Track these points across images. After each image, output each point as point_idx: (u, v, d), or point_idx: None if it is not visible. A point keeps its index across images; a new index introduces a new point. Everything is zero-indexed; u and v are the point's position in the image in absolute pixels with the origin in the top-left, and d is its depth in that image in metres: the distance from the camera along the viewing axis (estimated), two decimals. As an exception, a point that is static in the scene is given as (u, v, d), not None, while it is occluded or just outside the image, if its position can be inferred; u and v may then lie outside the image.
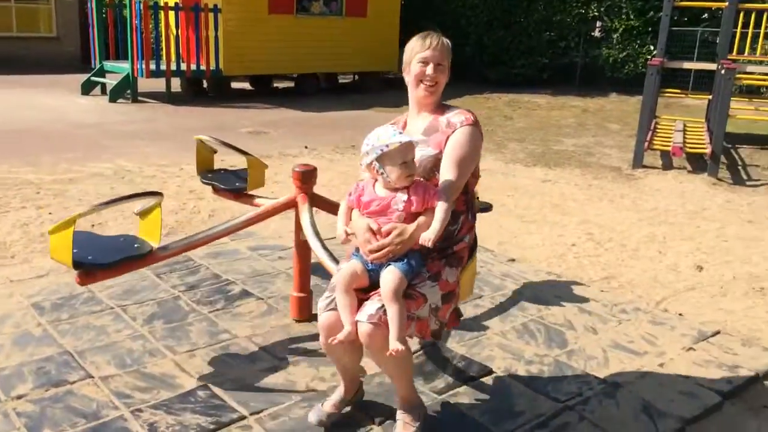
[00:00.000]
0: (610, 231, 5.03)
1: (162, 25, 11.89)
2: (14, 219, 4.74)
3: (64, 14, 18.16)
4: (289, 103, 12.18)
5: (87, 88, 12.33)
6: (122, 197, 2.70)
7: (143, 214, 2.72)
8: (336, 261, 2.66)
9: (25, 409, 2.41)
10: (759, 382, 2.85)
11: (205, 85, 13.11)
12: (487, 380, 2.75)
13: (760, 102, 10.08)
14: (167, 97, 11.81)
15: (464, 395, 2.63)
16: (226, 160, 5.36)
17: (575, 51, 15.81)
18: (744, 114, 8.88)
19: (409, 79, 2.40)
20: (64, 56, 17.77)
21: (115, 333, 3.02)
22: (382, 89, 14.40)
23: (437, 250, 2.26)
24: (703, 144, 7.59)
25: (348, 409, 2.47)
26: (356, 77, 15.45)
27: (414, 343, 3.02)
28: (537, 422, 2.47)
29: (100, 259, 2.49)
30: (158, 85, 12.19)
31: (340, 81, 15.27)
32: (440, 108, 2.43)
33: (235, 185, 3.47)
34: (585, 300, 3.62)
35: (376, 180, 2.25)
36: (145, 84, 12.01)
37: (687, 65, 10.26)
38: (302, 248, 3.18)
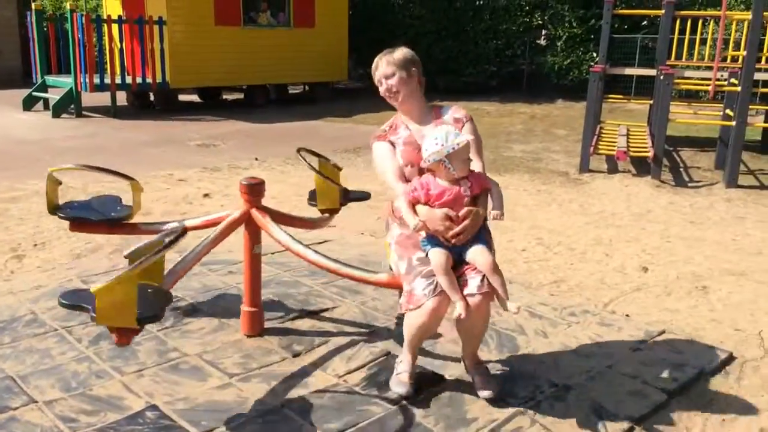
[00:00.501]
0: (558, 235, 5.13)
1: (105, 37, 11.65)
2: (-49, 241, 4.56)
3: (3, 28, 17.61)
4: (239, 115, 12.07)
5: (29, 104, 11.99)
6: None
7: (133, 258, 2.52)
8: (333, 259, 2.82)
9: (-37, 439, 2.32)
10: (704, 379, 2.94)
11: (152, 98, 12.89)
12: (441, 388, 2.76)
13: (698, 106, 10.44)
14: (112, 111, 11.56)
15: (418, 404, 2.63)
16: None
17: (522, 58, 16.12)
18: (683, 118, 9.18)
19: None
20: (4, 71, 17.23)
21: (59, 355, 2.93)
22: (333, 99, 14.41)
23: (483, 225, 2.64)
24: (646, 148, 7.82)
25: None
26: (306, 88, 15.42)
27: (368, 354, 3.02)
28: (490, 428, 2.49)
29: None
30: (103, 99, 11.93)
31: (290, 92, 15.21)
32: (434, 108, 2.88)
33: (110, 215, 3.12)
34: (535, 304, 3.67)
35: (435, 175, 2.58)
36: (89, 98, 11.73)
37: (628, 71, 10.57)
38: (253, 262, 3.15)
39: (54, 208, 3.10)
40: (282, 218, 3.21)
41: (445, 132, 2.55)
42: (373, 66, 2.85)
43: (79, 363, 2.87)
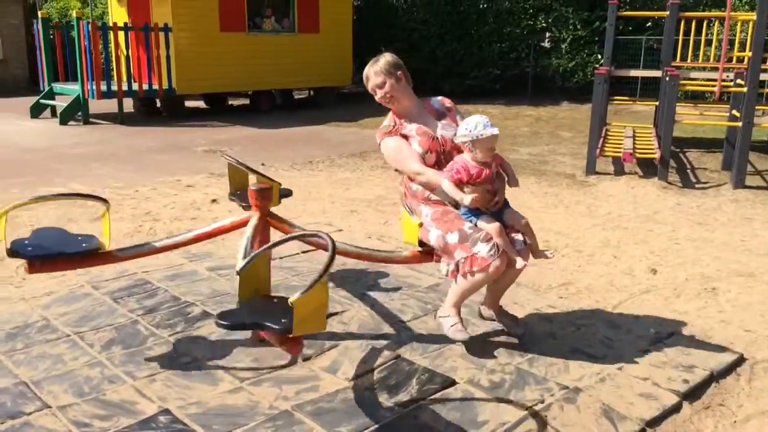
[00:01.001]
0: (566, 237, 5.13)
1: (112, 45, 11.73)
2: (-38, 248, 4.59)
3: (10, 36, 17.76)
4: (245, 120, 12.11)
5: (36, 111, 12.07)
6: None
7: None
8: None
9: (-22, 444, 2.34)
10: (714, 381, 2.94)
11: (158, 104, 12.96)
12: (451, 391, 2.77)
13: (704, 107, 10.43)
14: (120, 118, 11.63)
15: (428, 407, 2.64)
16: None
17: (526, 61, 16.14)
18: (690, 119, 9.17)
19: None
20: (11, 79, 17.37)
21: (72, 361, 2.95)
22: (337, 104, 14.45)
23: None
24: (653, 149, 7.81)
25: None
26: (311, 93, 15.47)
27: (378, 357, 3.03)
28: (501, 431, 2.50)
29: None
30: (110, 106, 12.00)
31: (295, 97, 15.26)
32: (424, 101, 3.28)
33: (82, 246, 2.89)
34: (544, 307, 3.68)
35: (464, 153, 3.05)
36: (96, 105, 11.80)
37: (633, 73, 10.59)
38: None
39: (9, 252, 2.75)
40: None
41: (475, 122, 2.99)
42: (364, 78, 3.22)
43: (92, 368, 2.89)
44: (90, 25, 11.13)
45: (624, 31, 13.60)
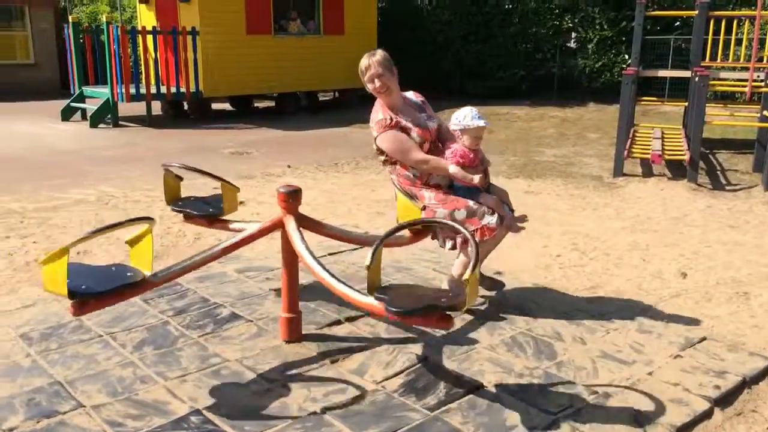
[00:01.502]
0: (594, 240, 5.09)
1: (140, 48, 11.90)
2: (-2, 249, 4.70)
3: (41, 41, 18.09)
4: (270, 122, 12.20)
5: (67, 114, 12.29)
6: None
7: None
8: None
9: (16, 442, 2.40)
10: (746, 387, 2.90)
11: (185, 107, 13.11)
12: (479, 395, 2.77)
13: (734, 107, 10.26)
14: (148, 121, 11.79)
15: (456, 411, 2.64)
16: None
17: (552, 62, 16.02)
18: (720, 120, 9.03)
19: (370, 87, 3.48)
20: (42, 83, 17.68)
21: (104, 361, 3.01)
22: (362, 105, 14.46)
23: None
24: (682, 150, 7.71)
25: None
26: (336, 94, 15.53)
27: (405, 361, 3.04)
28: (530, 435, 2.49)
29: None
30: (139, 108, 12.17)
31: (320, 99, 15.33)
32: (403, 97, 3.58)
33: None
34: (572, 311, 3.66)
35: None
36: (125, 108, 11.98)
37: (662, 73, 10.45)
38: (290, 269, 3.19)
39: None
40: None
41: (465, 113, 3.47)
42: (363, 68, 3.44)
43: (124, 368, 2.94)
44: (119, 29, 11.31)
45: (652, 31, 13.43)
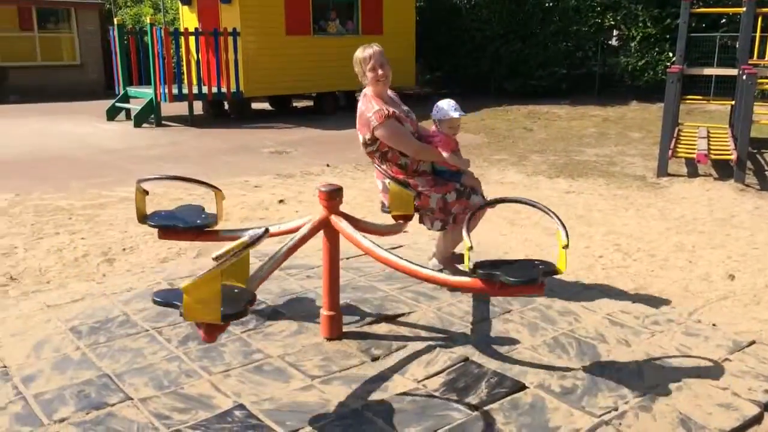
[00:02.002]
0: (637, 241, 5.00)
1: (183, 50, 12.10)
2: (48, 245, 4.84)
3: (86, 42, 18.55)
4: (309, 122, 12.30)
5: (112, 114, 12.57)
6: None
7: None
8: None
9: (67, 432, 2.46)
10: (798, 392, 2.81)
11: (226, 107, 13.30)
12: (521, 395, 2.74)
13: (783, 106, 9.97)
14: (190, 121, 12.00)
15: (498, 411, 2.63)
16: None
17: (593, 60, 15.79)
18: (768, 119, 8.79)
19: (367, 81, 3.65)
20: (88, 83, 18.14)
21: (151, 355, 3.07)
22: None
23: None
24: (728, 150, 7.52)
25: None
26: (375, 94, 15.55)
27: (446, 359, 3.04)
28: (574, 437, 2.46)
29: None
30: (181, 108, 12.39)
31: (358, 98, 15.37)
32: None
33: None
34: (616, 312, 3.60)
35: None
36: (167, 108, 12.21)
37: (707, 71, 10.20)
38: (331, 267, 3.21)
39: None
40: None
41: (441, 105, 3.76)
42: (365, 56, 3.61)
43: (170, 362, 3.00)
44: (162, 31, 11.52)
45: (697, 28, 13.14)
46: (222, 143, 10.00)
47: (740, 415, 2.61)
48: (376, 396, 2.74)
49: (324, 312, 3.27)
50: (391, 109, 3.59)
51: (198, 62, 12.08)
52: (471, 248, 2.66)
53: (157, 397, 2.70)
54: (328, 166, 8.16)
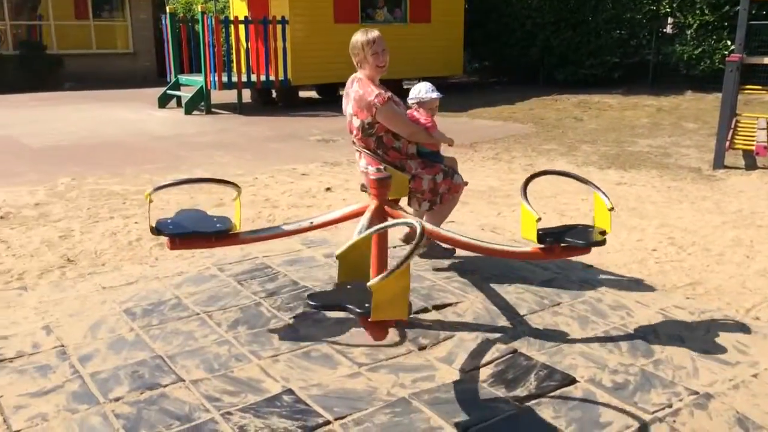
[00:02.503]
0: (692, 235, 4.86)
1: (233, 38, 12.24)
2: (104, 228, 4.97)
3: (139, 31, 18.96)
4: (356, 110, 12.28)
5: (163, 102, 12.82)
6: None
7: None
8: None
9: (122, 411, 2.53)
10: None
11: (274, 95, 13.41)
12: (571, 389, 2.70)
13: None
14: (238, 108, 12.15)
15: (548, 404, 2.59)
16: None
17: (647, 49, 15.36)
18: (833, 110, 8.41)
19: (367, 65, 3.66)
20: (140, 71, 18.54)
21: (202, 338, 3.13)
22: (446, 94, 14.35)
23: None
24: (789, 142, 7.23)
25: None
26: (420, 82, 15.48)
27: (495, 351, 3.01)
28: (626, 433, 2.41)
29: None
30: (229, 96, 12.54)
31: (404, 86, 15.32)
32: None
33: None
34: (669, 307, 3.51)
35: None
36: (216, 96, 12.37)
37: (768, 60, 9.81)
38: (380, 255, 3.21)
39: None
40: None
41: (421, 87, 3.97)
42: (370, 39, 3.60)
43: (220, 346, 3.05)
44: (213, 20, 11.67)
45: (757, 16, 12.64)
46: (270, 131, 10.10)
47: (802, 417, 2.52)
48: (423, 385, 2.73)
49: (371, 300, 3.27)
50: (389, 92, 3.67)
51: (247, 50, 12.20)
52: (538, 219, 3.01)
53: (207, 380, 2.75)
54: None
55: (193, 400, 2.60)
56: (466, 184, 4.05)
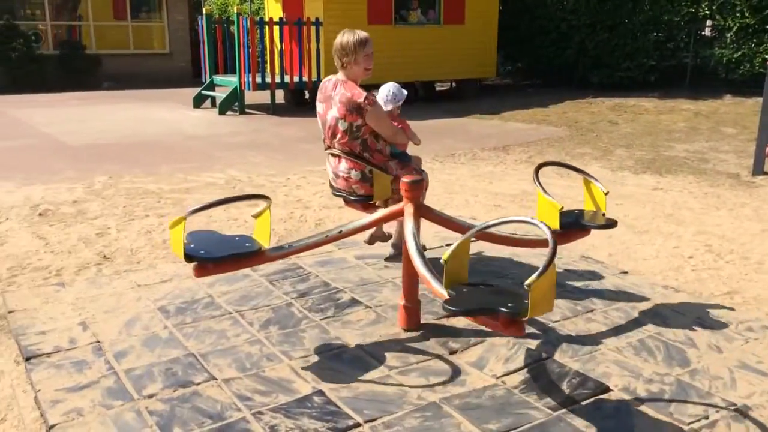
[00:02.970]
0: (730, 242, 4.75)
1: (267, 39, 12.35)
2: (139, 227, 5.05)
3: (176, 32, 19.22)
4: (388, 111, 12.28)
5: (198, 102, 12.98)
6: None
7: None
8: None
9: (156, 407, 2.56)
10: None
11: (307, 96, 13.48)
12: (604, 398, 2.66)
13: None
14: (271, 109, 12.24)
15: (580, 413, 2.56)
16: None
17: (684, 52, 15.08)
18: None
19: (356, 67, 3.67)
20: (176, 71, 18.80)
21: (234, 337, 3.16)
22: (480, 96, 14.29)
23: None
24: (833, 149, 7.02)
25: None
26: (453, 85, 15.42)
27: (526, 357, 2.98)
28: (660, 444, 2.37)
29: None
30: (262, 97, 12.64)
31: (437, 89, 15.28)
32: None
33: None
34: (707, 316, 3.44)
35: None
36: (249, 96, 12.49)
37: (812, 64, 9.55)
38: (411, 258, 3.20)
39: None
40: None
41: (390, 88, 4.09)
42: (360, 39, 3.61)
43: (252, 345, 3.07)
44: (248, 21, 11.78)
45: (801, 18, 12.34)
46: (302, 131, 10.16)
47: None
48: (453, 390, 2.72)
49: (402, 303, 3.26)
50: (373, 94, 3.73)
51: (281, 51, 12.29)
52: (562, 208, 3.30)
53: (239, 379, 2.78)
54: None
55: (225, 399, 2.62)
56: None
